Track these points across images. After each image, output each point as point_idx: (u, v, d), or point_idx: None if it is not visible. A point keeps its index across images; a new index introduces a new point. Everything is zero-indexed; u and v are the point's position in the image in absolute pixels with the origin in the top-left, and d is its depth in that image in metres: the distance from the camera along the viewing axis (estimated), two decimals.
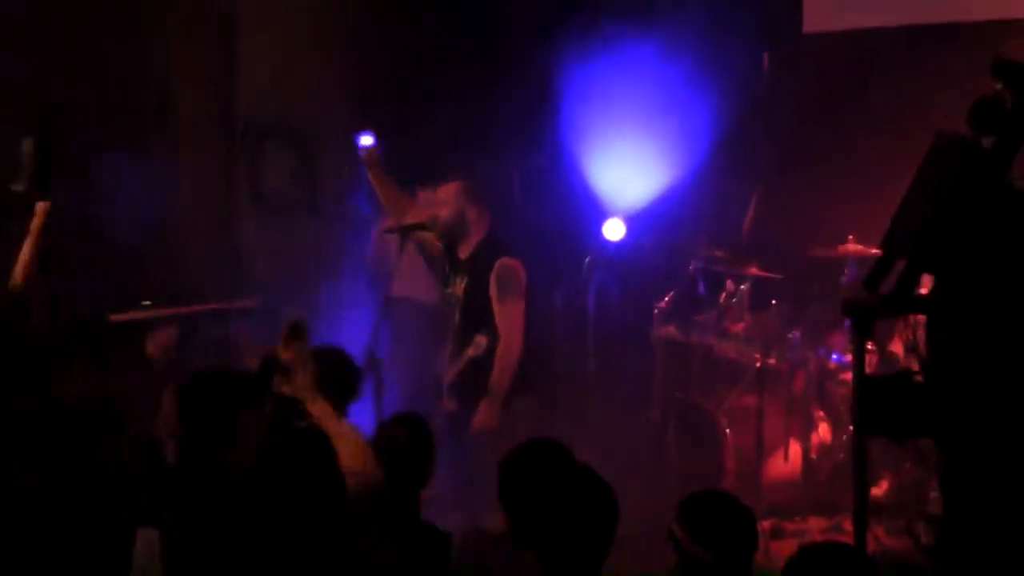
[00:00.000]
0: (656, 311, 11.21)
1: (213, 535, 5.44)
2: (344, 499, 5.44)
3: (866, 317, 6.57)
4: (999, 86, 6.35)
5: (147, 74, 13.02)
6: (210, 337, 11.47)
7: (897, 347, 9.53)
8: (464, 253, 9.44)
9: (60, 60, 11.99)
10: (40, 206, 9.45)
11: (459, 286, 9.42)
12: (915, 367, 7.37)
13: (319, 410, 5.90)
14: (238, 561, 5.30)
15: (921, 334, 9.30)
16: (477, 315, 9.27)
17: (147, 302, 11.19)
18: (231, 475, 5.66)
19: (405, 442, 6.74)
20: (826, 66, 11.69)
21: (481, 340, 9.19)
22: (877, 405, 6.42)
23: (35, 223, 9.39)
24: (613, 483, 5.51)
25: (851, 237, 10.55)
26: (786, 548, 9.33)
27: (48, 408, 6.79)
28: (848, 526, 9.30)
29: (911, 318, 8.93)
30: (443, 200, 9.41)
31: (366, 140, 11.49)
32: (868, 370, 7.01)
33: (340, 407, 7.58)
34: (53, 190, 9.85)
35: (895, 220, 6.37)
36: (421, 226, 9.54)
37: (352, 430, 7.53)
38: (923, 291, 6.84)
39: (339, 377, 7.76)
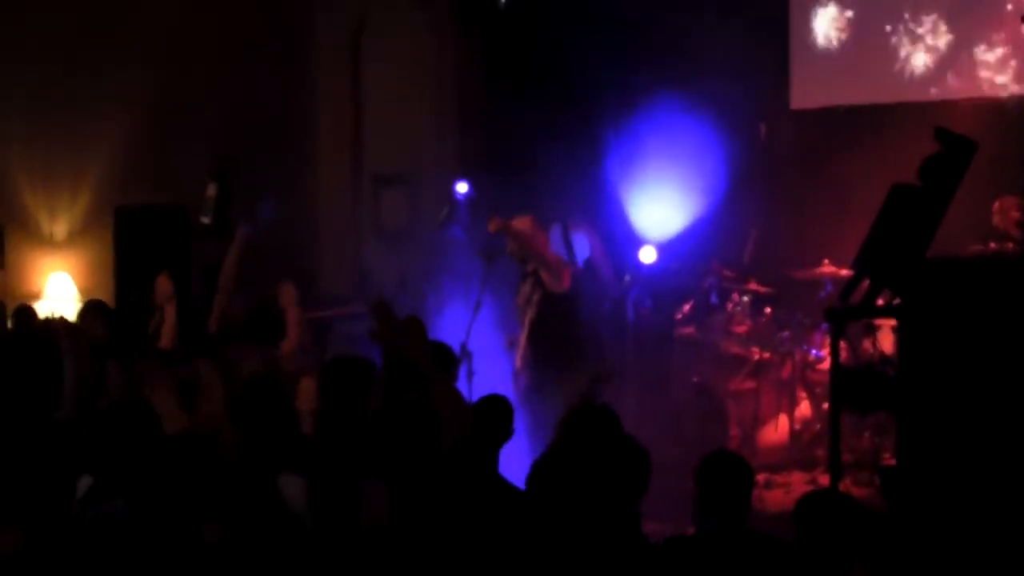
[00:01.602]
0: (679, 316, 11.26)
1: (344, 478, 5.46)
2: (438, 446, 5.45)
3: (841, 320, 6.56)
4: (940, 148, 6.32)
5: (296, 136, 13.13)
6: (342, 331, 11.53)
7: (866, 345, 9.49)
8: (531, 267, 9.39)
9: (235, 127, 12.11)
10: (241, 232, 9.42)
11: (524, 290, 9.35)
12: (876, 359, 7.39)
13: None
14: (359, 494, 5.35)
15: (879, 335, 9.38)
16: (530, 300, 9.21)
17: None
18: (358, 435, 5.68)
19: (490, 412, 6.71)
20: (807, 133, 11.68)
21: (535, 299, 9.12)
22: (848, 387, 6.41)
23: (238, 243, 9.37)
24: (644, 445, 5.54)
25: (826, 261, 10.49)
26: (776, 496, 9.30)
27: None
28: (822, 479, 9.30)
29: (874, 321, 8.96)
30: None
31: (462, 187, 11.50)
32: (842, 361, 6.96)
33: None
34: (231, 222, 9.91)
35: (863, 248, 6.35)
36: (503, 250, 9.49)
37: (455, 397, 7.48)
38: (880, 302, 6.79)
39: (443, 365, 7.77)
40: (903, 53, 11.36)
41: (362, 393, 6.02)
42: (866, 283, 6.44)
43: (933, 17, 11.20)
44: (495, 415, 6.58)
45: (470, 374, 9.06)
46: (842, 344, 8.36)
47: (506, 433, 6.53)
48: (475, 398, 7.44)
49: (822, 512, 5.14)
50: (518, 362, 9.39)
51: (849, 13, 11.74)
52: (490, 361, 9.52)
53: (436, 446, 5.52)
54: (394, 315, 8.20)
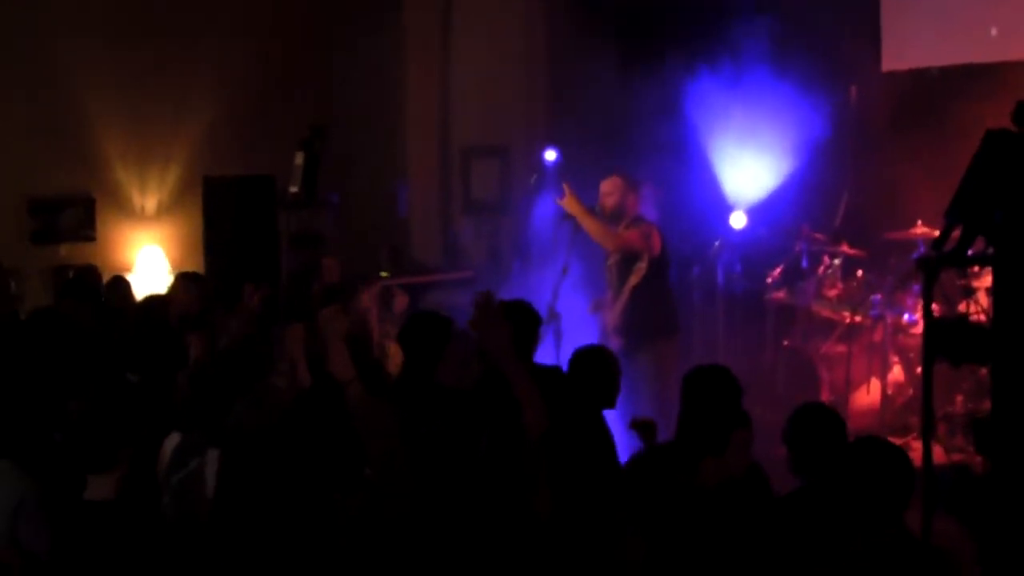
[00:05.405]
0: (769, 280, 11.13)
1: (424, 432, 5.39)
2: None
3: (933, 269, 6.36)
4: None
5: (385, 108, 13.09)
6: (434, 300, 11.46)
7: (962, 308, 9.25)
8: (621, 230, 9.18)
9: (324, 97, 12.10)
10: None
11: (615, 254, 9.15)
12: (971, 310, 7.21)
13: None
14: (437, 453, 5.31)
15: (977, 297, 9.11)
16: (631, 265, 9.00)
17: (385, 273, 11.24)
18: (437, 393, 5.60)
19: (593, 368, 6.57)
20: (899, 95, 11.44)
21: (641, 266, 8.92)
22: (942, 338, 6.22)
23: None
24: None
25: (919, 222, 10.31)
26: None
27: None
28: (915, 444, 9.04)
29: (968, 270, 8.72)
30: (608, 191, 9.11)
31: (550, 155, 11.37)
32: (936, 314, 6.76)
33: (527, 349, 7.28)
34: (319, 191, 9.89)
35: (955, 196, 6.12)
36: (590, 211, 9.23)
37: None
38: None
39: (524, 325, 7.57)
40: (997, 12, 11.08)
41: (439, 346, 5.91)
42: (958, 232, 6.23)
43: None
44: (596, 367, 6.46)
45: (558, 336, 8.93)
46: (937, 306, 8.15)
47: (612, 393, 6.45)
48: (563, 360, 7.29)
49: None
50: (611, 325, 9.20)
51: None
52: (576, 323, 9.37)
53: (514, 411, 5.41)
54: (496, 310, 8.08)
